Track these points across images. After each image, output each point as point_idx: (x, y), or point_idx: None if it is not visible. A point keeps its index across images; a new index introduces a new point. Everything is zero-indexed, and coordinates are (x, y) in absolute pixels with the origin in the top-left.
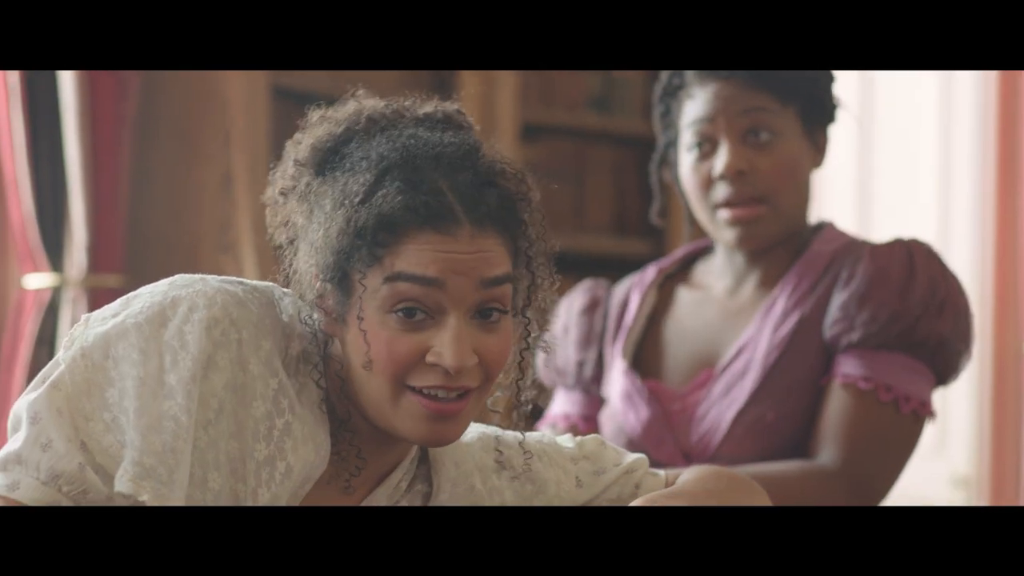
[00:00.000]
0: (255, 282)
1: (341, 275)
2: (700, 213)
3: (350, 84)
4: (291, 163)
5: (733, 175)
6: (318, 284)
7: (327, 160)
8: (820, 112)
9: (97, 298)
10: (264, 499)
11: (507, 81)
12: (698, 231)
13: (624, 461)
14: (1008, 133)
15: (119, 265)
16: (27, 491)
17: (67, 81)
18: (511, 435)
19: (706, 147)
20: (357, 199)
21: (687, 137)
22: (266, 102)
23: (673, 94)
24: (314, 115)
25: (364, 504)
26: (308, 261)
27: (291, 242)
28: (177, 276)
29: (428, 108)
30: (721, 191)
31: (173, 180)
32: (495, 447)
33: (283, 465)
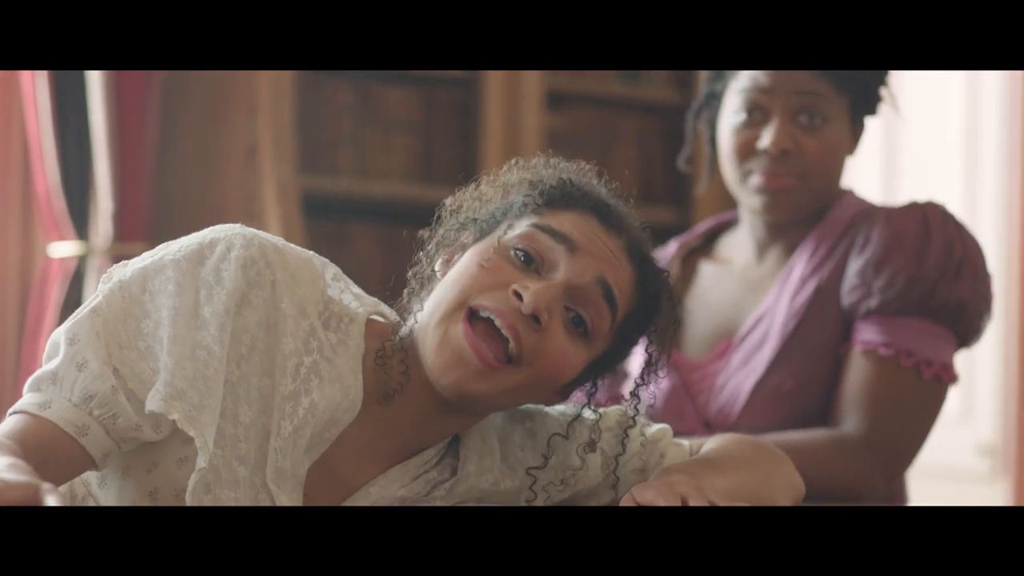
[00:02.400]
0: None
1: (496, 221)
2: (730, 174)
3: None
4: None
5: (778, 153)
6: (470, 231)
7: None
8: (869, 104)
9: (125, 260)
10: (286, 431)
11: None
12: (717, 182)
13: (648, 431)
14: None
15: (144, 234)
16: (58, 411)
17: None
18: (537, 408)
19: (756, 115)
20: (559, 170)
21: (737, 99)
22: (291, 73)
23: None
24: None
25: (395, 468)
26: (470, 211)
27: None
28: (219, 225)
29: None
30: (760, 162)
31: (199, 149)
32: (522, 420)
33: (307, 401)
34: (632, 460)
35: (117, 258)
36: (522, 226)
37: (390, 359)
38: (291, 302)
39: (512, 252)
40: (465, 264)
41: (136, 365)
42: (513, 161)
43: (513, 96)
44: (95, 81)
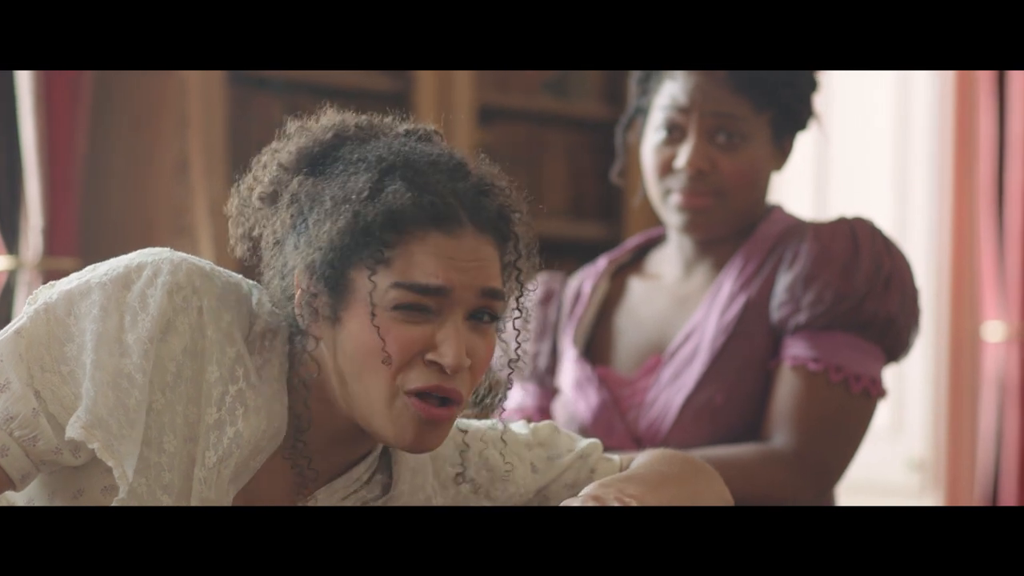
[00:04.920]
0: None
1: (337, 274)
2: (652, 191)
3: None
4: (274, 167)
5: (693, 172)
6: (309, 283)
7: (318, 162)
8: (793, 121)
9: (52, 281)
10: (211, 461)
11: None
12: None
13: (578, 446)
14: (964, 118)
15: (74, 248)
16: None
17: None
18: (470, 423)
19: (675, 133)
20: (364, 195)
21: (658, 116)
22: (222, 86)
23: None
24: (292, 126)
25: (322, 491)
26: (296, 260)
27: (276, 243)
28: (147, 248)
29: (408, 126)
30: (678, 181)
31: (129, 163)
32: (453, 436)
33: (232, 431)
34: (562, 476)
35: (47, 273)
36: (385, 286)
37: (290, 396)
38: (217, 328)
39: (396, 311)
40: (362, 351)
41: (59, 389)
42: (264, 156)
43: (443, 110)
44: (25, 94)
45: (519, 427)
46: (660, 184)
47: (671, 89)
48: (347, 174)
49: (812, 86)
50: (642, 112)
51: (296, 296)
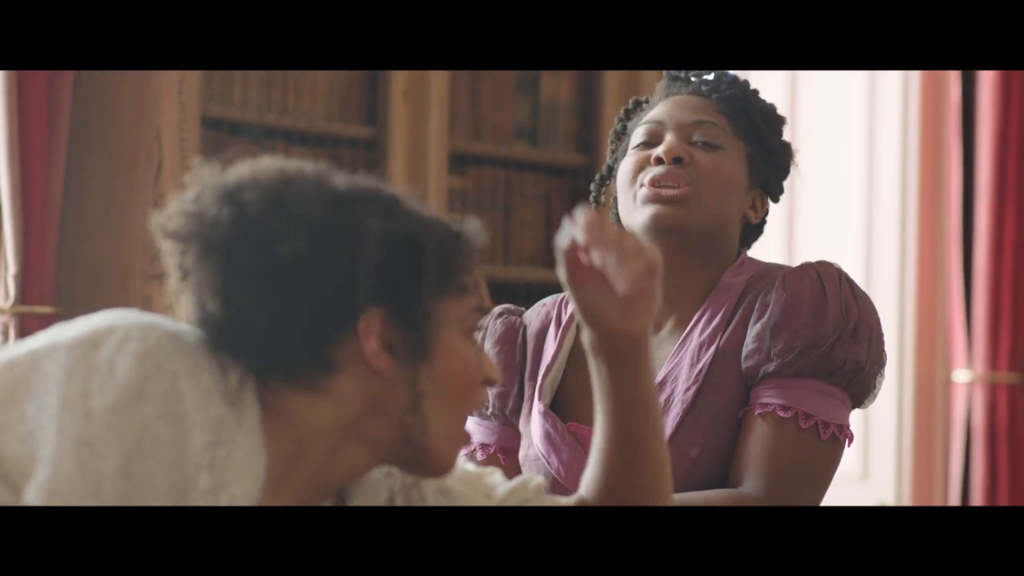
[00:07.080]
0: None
1: (423, 311)
2: (624, 199)
3: (279, 113)
4: (295, 220)
5: (670, 160)
6: (387, 326)
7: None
8: (766, 168)
9: (27, 326)
10: None
11: (436, 111)
12: None
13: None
14: (931, 163)
15: (49, 294)
16: None
17: None
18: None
19: (653, 140)
20: (439, 229)
21: (635, 138)
22: (197, 132)
23: (635, 109)
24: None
25: None
26: (344, 302)
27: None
28: (115, 310)
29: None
30: (653, 171)
31: (104, 210)
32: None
33: (226, 495)
34: (509, 498)
35: (22, 317)
36: (464, 310)
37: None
38: (197, 391)
39: (469, 336)
40: (464, 377)
41: (14, 450)
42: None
43: (417, 158)
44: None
45: (466, 465)
46: (634, 183)
47: (649, 112)
48: (385, 217)
49: (789, 160)
50: (617, 165)
51: (369, 345)
